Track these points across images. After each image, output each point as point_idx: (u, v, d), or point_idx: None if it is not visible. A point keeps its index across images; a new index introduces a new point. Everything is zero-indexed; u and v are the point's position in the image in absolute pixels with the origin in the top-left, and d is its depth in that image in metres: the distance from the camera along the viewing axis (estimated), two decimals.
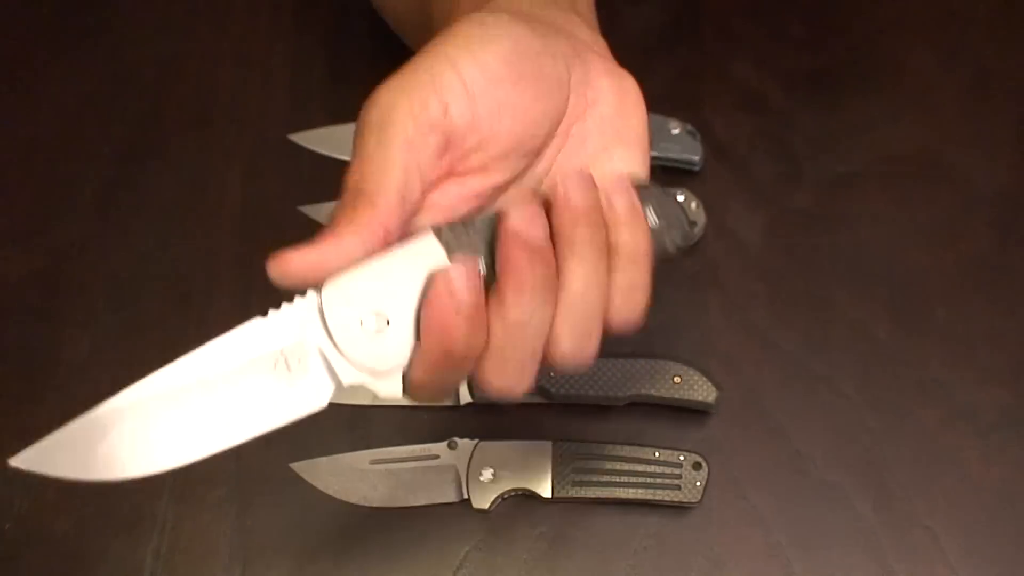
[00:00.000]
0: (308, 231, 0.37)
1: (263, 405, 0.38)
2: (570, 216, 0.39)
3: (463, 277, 0.37)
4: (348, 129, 0.65)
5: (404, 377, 0.38)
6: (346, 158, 0.67)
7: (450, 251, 0.38)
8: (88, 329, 0.61)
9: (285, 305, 0.38)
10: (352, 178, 0.38)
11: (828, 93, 0.68)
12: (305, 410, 0.38)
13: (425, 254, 0.38)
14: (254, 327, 0.38)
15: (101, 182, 0.65)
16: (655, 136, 0.63)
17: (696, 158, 0.64)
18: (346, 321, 0.37)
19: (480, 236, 0.39)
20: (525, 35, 0.40)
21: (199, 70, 0.69)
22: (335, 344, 0.38)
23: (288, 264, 0.36)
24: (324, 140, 0.65)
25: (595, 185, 0.40)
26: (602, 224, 0.39)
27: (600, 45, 0.45)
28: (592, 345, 0.39)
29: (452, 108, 0.38)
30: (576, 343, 0.39)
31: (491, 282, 0.38)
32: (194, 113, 0.67)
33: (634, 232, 0.40)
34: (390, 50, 0.65)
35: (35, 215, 0.64)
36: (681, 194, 0.62)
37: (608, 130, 0.43)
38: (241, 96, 0.68)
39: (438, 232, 0.38)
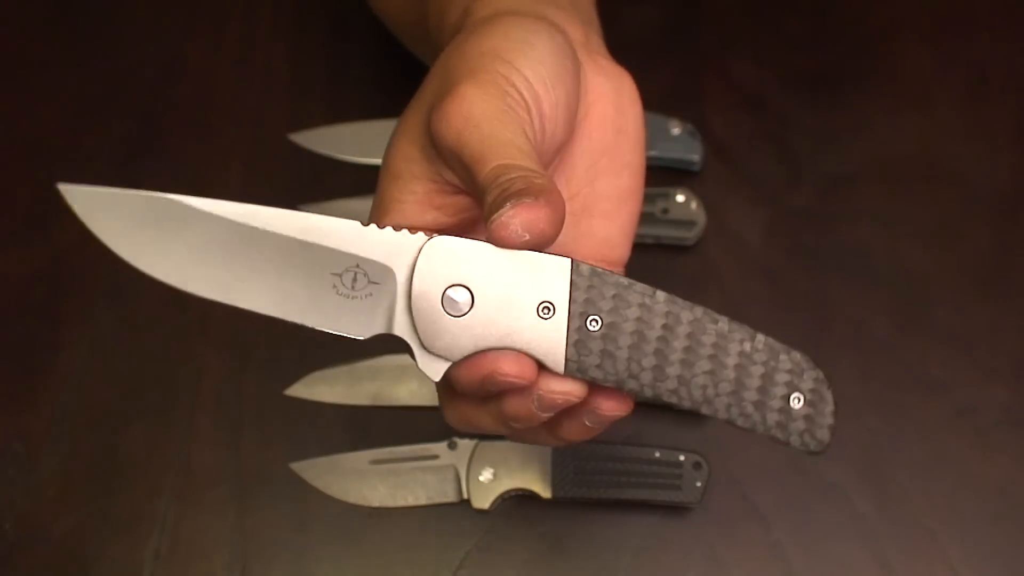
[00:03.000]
0: None
1: (306, 292, 0.36)
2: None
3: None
4: (348, 129, 0.66)
5: (448, 373, 0.36)
6: (346, 158, 0.68)
7: (575, 288, 0.35)
8: (88, 329, 0.61)
9: (392, 230, 0.36)
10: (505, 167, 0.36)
11: (828, 93, 0.68)
12: (342, 327, 0.36)
13: (550, 274, 0.35)
14: (355, 227, 0.36)
15: (101, 182, 0.65)
16: (655, 136, 0.63)
17: (696, 158, 0.64)
18: (432, 282, 0.35)
19: (611, 295, 0.36)
20: (557, 36, 0.41)
21: (199, 70, 0.69)
22: (411, 296, 0.35)
23: (543, 219, 0.34)
24: (324, 140, 0.65)
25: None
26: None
27: (595, 43, 0.45)
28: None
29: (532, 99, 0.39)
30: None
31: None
32: (194, 113, 0.67)
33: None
34: (390, 50, 0.65)
35: (35, 215, 0.64)
36: (681, 194, 0.62)
37: (608, 128, 0.43)
38: (241, 96, 0.68)
39: (576, 267, 0.36)
